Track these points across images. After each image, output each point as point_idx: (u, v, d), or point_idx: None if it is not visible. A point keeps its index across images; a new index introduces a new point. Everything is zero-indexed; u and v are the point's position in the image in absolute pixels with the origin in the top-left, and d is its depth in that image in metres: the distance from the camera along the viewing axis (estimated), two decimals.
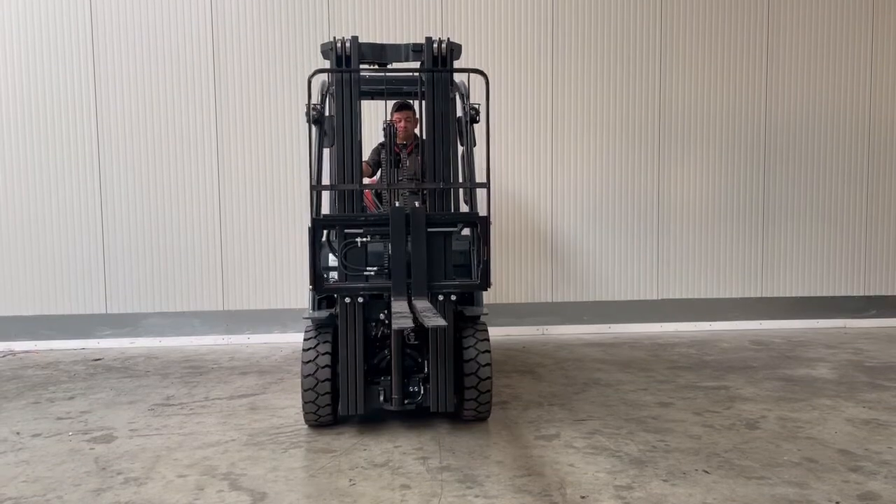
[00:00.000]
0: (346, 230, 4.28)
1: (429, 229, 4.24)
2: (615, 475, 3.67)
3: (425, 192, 4.50)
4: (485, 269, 4.20)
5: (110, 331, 7.25)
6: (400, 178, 4.77)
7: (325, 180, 5.08)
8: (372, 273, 4.31)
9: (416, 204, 4.31)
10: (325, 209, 5.18)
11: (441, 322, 3.60)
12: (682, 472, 3.71)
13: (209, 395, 5.30)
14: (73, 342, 7.18)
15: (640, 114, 7.69)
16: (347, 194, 4.37)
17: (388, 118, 4.87)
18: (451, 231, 4.33)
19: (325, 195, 5.16)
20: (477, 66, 7.11)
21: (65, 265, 7.20)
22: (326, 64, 4.52)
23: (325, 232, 4.56)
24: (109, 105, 7.15)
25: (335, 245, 4.42)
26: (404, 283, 4.16)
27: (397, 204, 4.34)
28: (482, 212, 4.51)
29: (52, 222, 7.17)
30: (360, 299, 4.24)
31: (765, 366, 6.11)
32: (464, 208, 5.10)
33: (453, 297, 4.31)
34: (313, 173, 4.81)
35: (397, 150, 4.99)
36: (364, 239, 4.26)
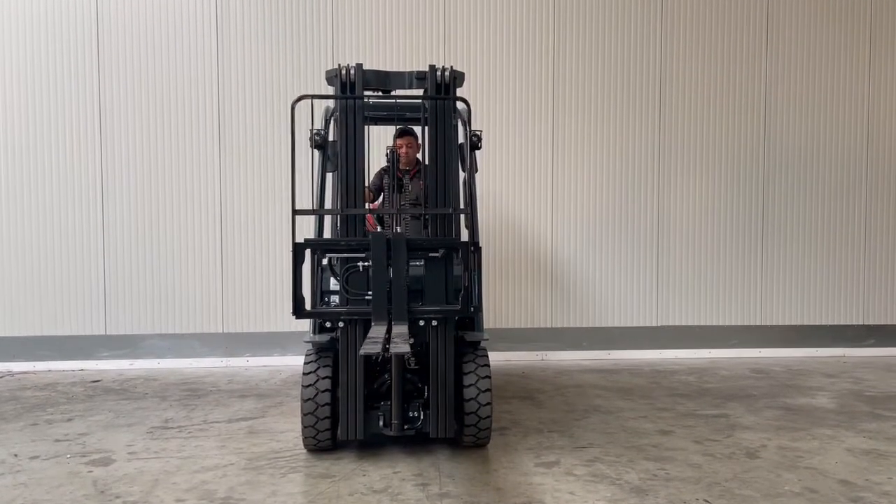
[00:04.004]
0: (328, 253, 4.31)
1: (430, 254, 4.28)
2: None
3: (427, 217, 4.54)
4: (466, 295, 4.25)
5: (109, 352, 7.24)
6: (402, 203, 4.80)
7: (328, 205, 5.12)
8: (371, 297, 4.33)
9: (398, 229, 4.34)
10: (328, 234, 5.21)
11: (404, 349, 3.63)
12: (683, 500, 3.69)
13: (208, 419, 5.28)
14: (72, 363, 7.16)
15: (639, 140, 7.75)
16: (350, 219, 4.40)
17: (392, 144, 4.92)
18: (451, 256, 4.36)
19: (327, 221, 5.18)
20: (479, 92, 7.24)
21: (64, 286, 7.21)
22: (331, 90, 4.58)
23: (322, 256, 4.56)
24: (112, 126, 7.20)
25: (336, 269, 4.45)
26: (384, 309, 4.19)
27: (398, 229, 4.38)
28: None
29: (52, 243, 7.19)
30: (341, 324, 4.26)
31: (765, 394, 6.09)
32: (464, 234, 5.12)
33: (434, 323, 4.32)
34: (315, 198, 4.84)
35: (399, 175, 5.03)
36: (366, 263, 4.29)
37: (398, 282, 4.21)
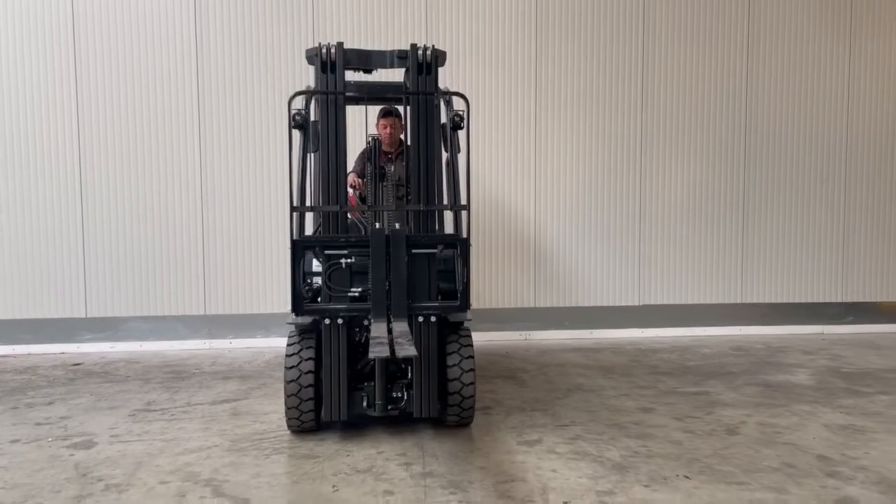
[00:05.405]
0: (326, 251, 4.29)
1: (413, 250, 4.28)
2: (597, 480, 3.69)
3: (410, 198, 4.53)
4: (465, 291, 4.28)
5: (90, 335, 7.18)
6: (385, 184, 4.79)
7: (308, 187, 5.08)
8: (356, 294, 4.32)
9: (397, 226, 4.33)
10: (309, 216, 5.18)
11: (412, 352, 3.59)
12: (664, 477, 3.74)
13: (191, 401, 5.27)
14: (53, 346, 7.10)
15: (621, 122, 7.75)
16: (333, 203, 4.36)
17: (374, 133, 4.89)
18: (434, 252, 4.37)
19: (310, 201, 5.15)
20: (460, 71, 7.20)
21: (44, 268, 7.13)
22: (311, 70, 4.54)
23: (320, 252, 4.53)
24: (90, 103, 7.09)
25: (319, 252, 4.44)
26: (384, 305, 4.19)
27: (378, 225, 4.36)
28: (465, 224, 4.53)
29: (30, 224, 7.09)
30: (340, 321, 4.25)
31: (745, 371, 6.17)
32: (448, 216, 5.11)
33: (433, 319, 4.34)
34: (296, 181, 4.80)
35: (382, 160, 4.99)
36: (348, 260, 4.27)
37: (398, 278, 4.21)
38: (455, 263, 4.45)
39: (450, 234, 4.50)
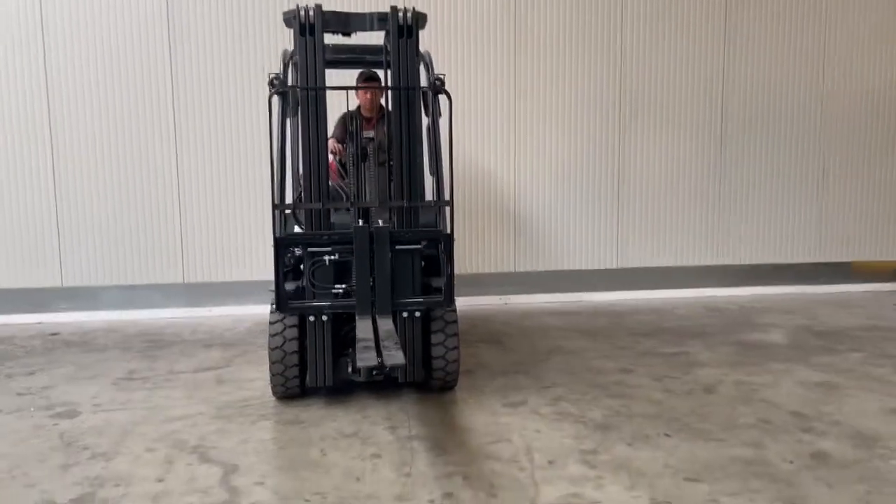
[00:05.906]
0: (310, 247, 4.28)
1: (396, 246, 4.29)
2: (581, 440, 3.77)
3: (391, 165, 4.51)
4: (449, 285, 4.29)
5: (66, 304, 7.09)
6: (364, 147, 4.77)
7: (288, 156, 5.02)
8: (340, 291, 4.32)
9: (381, 222, 4.32)
10: (290, 191, 5.11)
11: (400, 360, 3.57)
12: (645, 435, 3.83)
13: (173, 369, 5.25)
14: (29, 316, 6.99)
15: (601, 85, 7.73)
16: (314, 179, 4.32)
17: (353, 109, 4.85)
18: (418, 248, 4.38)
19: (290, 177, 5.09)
20: (439, 32, 7.13)
21: (16, 237, 6.99)
22: (288, 33, 4.46)
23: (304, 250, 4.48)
24: (61, 69, 6.89)
25: (300, 218, 4.42)
26: (369, 302, 4.20)
27: (361, 223, 4.35)
28: (448, 206, 4.50)
29: (2, 194, 6.93)
30: (325, 317, 4.26)
31: (721, 332, 6.28)
32: (428, 183, 5.07)
33: (417, 314, 4.35)
34: (276, 150, 4.73)
35: (364, 131, 4.93)
36: (332, 257, 4.27)
37: (382, 274, 4.21)
38: (440, 257, 4.45)
39: (433, 230, 4.49)
